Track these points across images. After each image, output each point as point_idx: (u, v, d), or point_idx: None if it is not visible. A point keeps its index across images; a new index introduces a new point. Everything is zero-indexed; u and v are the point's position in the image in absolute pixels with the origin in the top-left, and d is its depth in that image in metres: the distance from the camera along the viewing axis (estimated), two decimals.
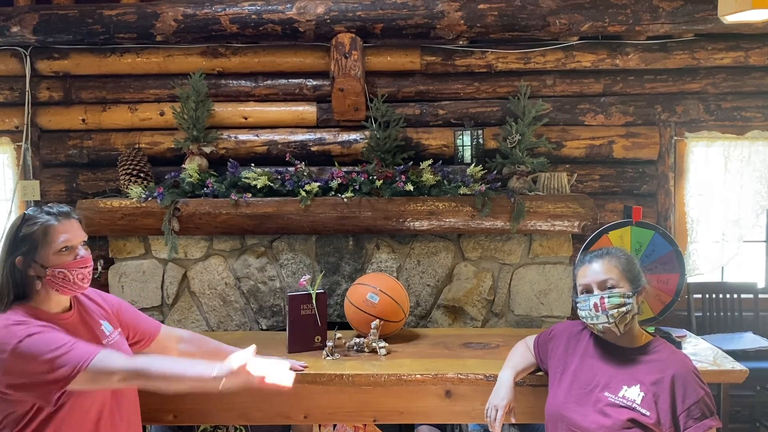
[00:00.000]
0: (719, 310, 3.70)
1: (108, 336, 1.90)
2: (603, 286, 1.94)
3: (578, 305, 1.99)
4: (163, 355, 1.93)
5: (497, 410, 2.08)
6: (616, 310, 1.90)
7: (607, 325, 1.92)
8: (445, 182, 3.26)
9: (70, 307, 1.87)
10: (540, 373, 2.21)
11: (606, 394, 1.91)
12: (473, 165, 3.32)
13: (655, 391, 1.85)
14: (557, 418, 1.98)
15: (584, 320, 1.99)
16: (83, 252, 1.80)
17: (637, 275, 1.98)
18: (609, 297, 1.91)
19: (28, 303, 1.78)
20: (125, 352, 1.92)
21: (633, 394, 1.87)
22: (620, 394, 1.89)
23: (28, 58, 3.48)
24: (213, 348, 2.20)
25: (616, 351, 1.97)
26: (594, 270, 1.97)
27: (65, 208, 1.83)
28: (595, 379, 1.95)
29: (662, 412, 1.83)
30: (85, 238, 1.84)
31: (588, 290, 1.97)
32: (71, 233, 1.79)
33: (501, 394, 2.12)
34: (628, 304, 1.91)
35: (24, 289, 1.77)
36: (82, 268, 1.78)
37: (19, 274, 1.76)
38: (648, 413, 1.83)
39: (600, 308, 1.91)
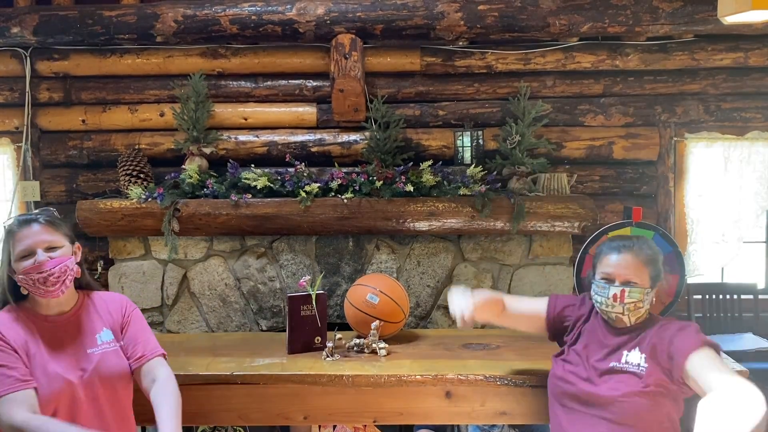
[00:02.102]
0: (719, 311, 3.69)
1: (98, 345, 1.87)
2: (626, 281, 1.95)
3: (594, 289, 2.00)
4: (64, 423, 1.72)
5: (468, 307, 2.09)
6: (633, 304, 1.94)
7: (621, 315, 1.96)
8: (445, 183, 3.26)
9: (71, 310, 1.87)
10: (541, 374, 2.20)
11: (612, 364, 1.94)
12: (473, 166, 3.32)
13: (653, 345, 1.90)
14: (566, 395, 1.98)
15: (597, 305, 2.00)
16: (42, 257, 1.76)
17: (659, 271, 1.99)
18: (630, 291, 1.93)
19: (24, 304, 1.83)
20: (113, 364, 1.87)
21: (634, 357, 1.91)
22: (623, 360, 1.92)
23: (28, 58, 3.48)
24: (158, 416, 1.82)
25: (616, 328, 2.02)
26: (619, 262, 1.96)
27: (30, 215, 1.83)
28: (598, 352, 1.98)
29: (662, 361, 1.86)
30: (51, 242, 1.79)
31: (609, 279, 1.97)
32: (29, 239, 1.78)
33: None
34: (646, 300, 1.95)
35: (18, 293, 1.82)
36: (38, 273, 1.75)
37: (9, 279, 1.82)
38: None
39: (619, 300, 1.94)
